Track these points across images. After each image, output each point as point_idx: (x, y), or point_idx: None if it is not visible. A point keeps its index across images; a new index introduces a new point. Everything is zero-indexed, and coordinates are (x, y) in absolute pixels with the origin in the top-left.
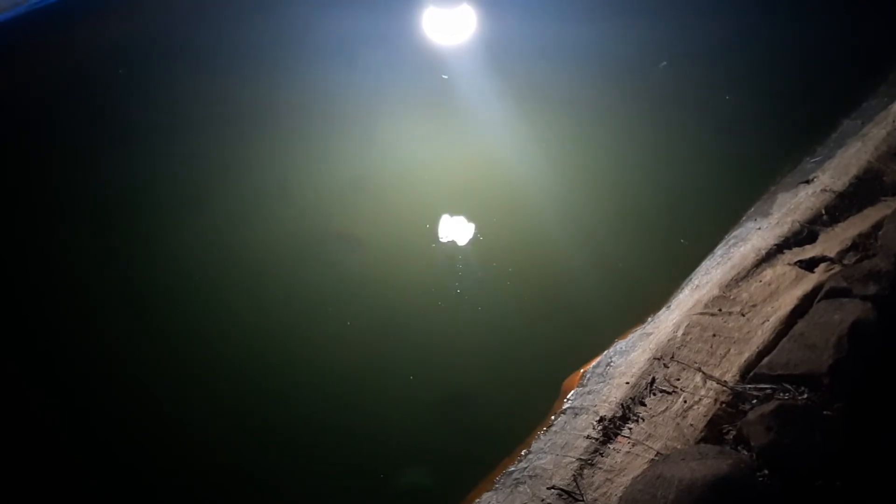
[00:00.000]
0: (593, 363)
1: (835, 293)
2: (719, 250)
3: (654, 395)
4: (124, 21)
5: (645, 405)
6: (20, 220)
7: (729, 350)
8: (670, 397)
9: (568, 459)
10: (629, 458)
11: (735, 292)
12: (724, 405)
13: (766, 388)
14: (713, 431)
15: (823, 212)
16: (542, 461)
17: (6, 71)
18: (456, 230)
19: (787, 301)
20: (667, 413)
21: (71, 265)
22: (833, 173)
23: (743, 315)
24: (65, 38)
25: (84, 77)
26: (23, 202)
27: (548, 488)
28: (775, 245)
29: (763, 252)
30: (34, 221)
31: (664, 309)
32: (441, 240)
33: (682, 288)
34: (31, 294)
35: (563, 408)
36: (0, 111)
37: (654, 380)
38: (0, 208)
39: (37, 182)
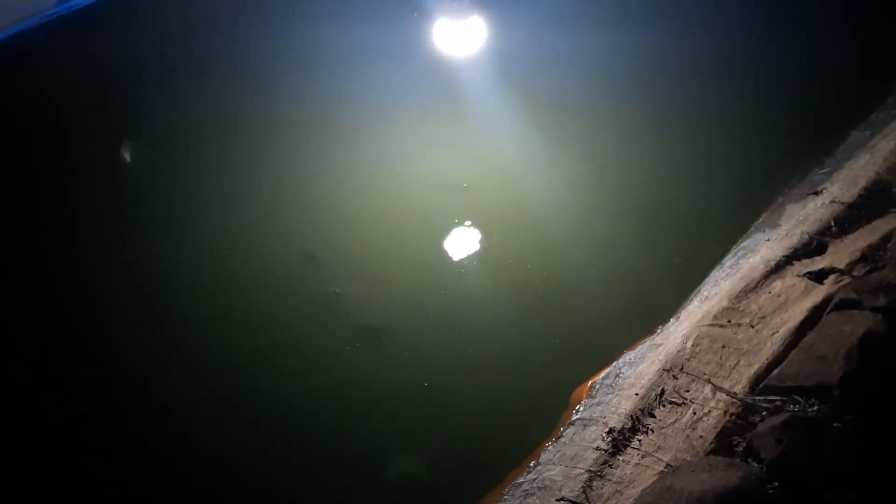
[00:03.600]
0: (602, 374)
1: (844, 305)
2: (728, 261)
3: (664, 406)
4: (135, 32)
5: (654, 416)
6: (28, 224)
7: (738, 361)
8: (680, 409)
9: (577, 471)
10: (639, 470)
11: (744, 303)
12: (733, 417)
13: (776, 400)
14: (723, 443)
15: (832, 223)
16: (552, 472)
17: (20, 79)
18: (465, 240)
19: (797, 312)
20: (676, 425)
21: (79, 268)
22: (842, 185)
23: (752, 326)
24: (77, 49)
25: (97, 87)
26: (32, 207)
27: (557, 500)
28: (784, 256)
29: (772, 263)
30: (44, 225)
31: (673, 320)
32: (451, 250)
33: (691, 299)
34: (38, 296)
35: (572, 419)
36: (14, 118)
37: (663, 391)
38: (11, 212)
39: (48, 186)
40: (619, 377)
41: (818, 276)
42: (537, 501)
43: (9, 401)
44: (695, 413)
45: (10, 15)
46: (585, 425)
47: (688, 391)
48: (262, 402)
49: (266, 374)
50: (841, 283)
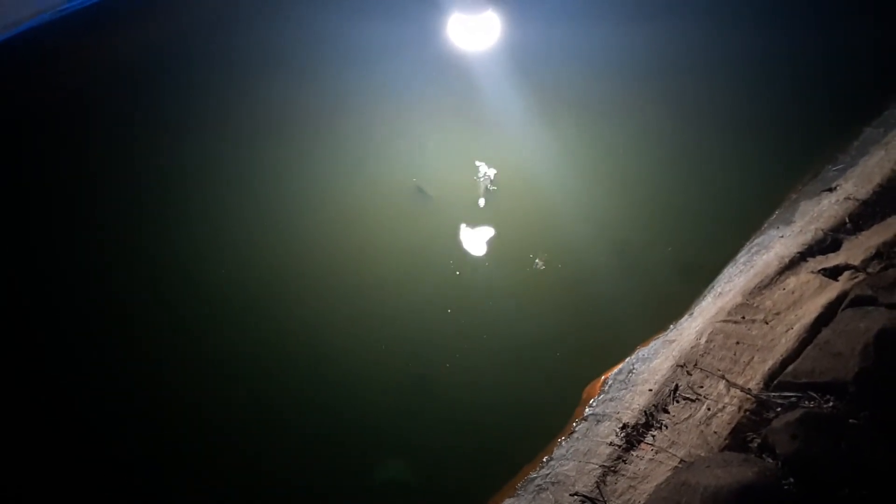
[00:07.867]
0: (615, 370)
1: (860, 301)
2: (742, 258)
3: (678, 402)
4: (153, 28)
5: (668, 412)
6: (49, 219)
7: (752, 358)
8: (694, 405)
9: (591, 466)
10: (652, 466)
11: (758, 300)
12: (748, 413)
13: (791, 396)
14: (737, 439)
15: (847, 220)
16: (565, 467)
17: (45, 71)
18: (481, 236)
19: (811, 309)
20: (690, 420)
21: (100, 257)
22: (856, 181)
23: (766, 323)
24: (97, 43)
25: (116, 80)
26: (61, 203)
27: (571, 494)
28: (798, 253)
29: (786, 260)
30: (68, 215)
31: (686, 316)
32: (466, 246)
33: (705, 295)
34: (61, 285)
35: (585, 414)
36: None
37: (677, 387)
38: (32, 203)
39: (71, 174)
40: (633, 373)
41: (833, 273)
42: (551, 496)
43: (37, 397)
44: (709, 409)
45: (22, 10)
46: (598, 421)
47: (702, 387)
48: (287, 400)
49: (290, 372)
50: (856, 280)
